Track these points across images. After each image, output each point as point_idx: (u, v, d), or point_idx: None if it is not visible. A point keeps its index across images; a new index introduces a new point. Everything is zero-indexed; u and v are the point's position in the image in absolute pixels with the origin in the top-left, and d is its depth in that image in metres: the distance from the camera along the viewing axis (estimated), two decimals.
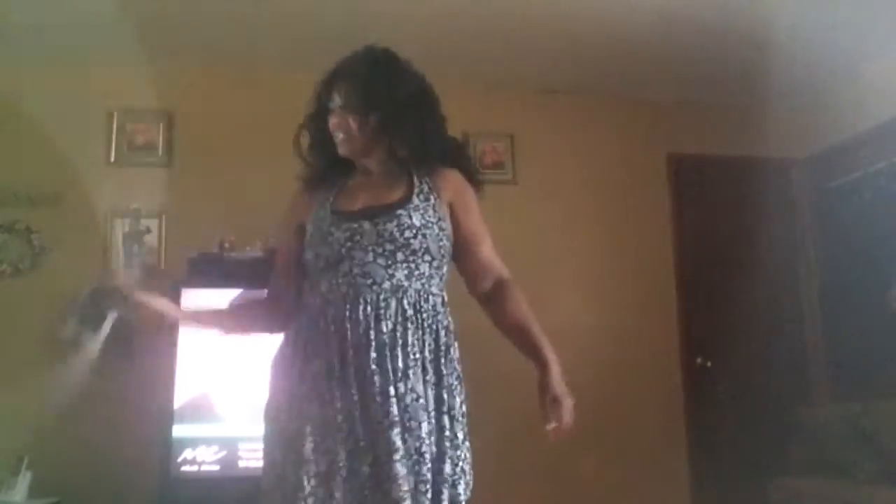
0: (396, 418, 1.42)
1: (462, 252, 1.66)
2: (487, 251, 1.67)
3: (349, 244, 1.57)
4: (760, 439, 3.74)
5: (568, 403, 1.49)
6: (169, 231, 3.50)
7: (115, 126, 3.55)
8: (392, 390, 1.44)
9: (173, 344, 3.02)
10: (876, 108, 3.68)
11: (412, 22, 3.28)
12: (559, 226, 3.90)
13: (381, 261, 1.54)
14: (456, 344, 1.59)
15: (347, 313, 1.51)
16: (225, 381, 3.06)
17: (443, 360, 1.53)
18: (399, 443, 1.41)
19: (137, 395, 3.11)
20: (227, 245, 3.31)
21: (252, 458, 2.98)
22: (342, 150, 1.76)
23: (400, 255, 1.54)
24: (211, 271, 3.21)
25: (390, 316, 1.50)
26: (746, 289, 3.96)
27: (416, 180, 1.65)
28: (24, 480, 2.91)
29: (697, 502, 3.76)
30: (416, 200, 1.60)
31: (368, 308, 1.51)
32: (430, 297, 1.57)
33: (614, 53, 3.60)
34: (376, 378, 1.45)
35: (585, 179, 3.98)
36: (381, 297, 1.51)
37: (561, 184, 3.95)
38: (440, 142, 1.70)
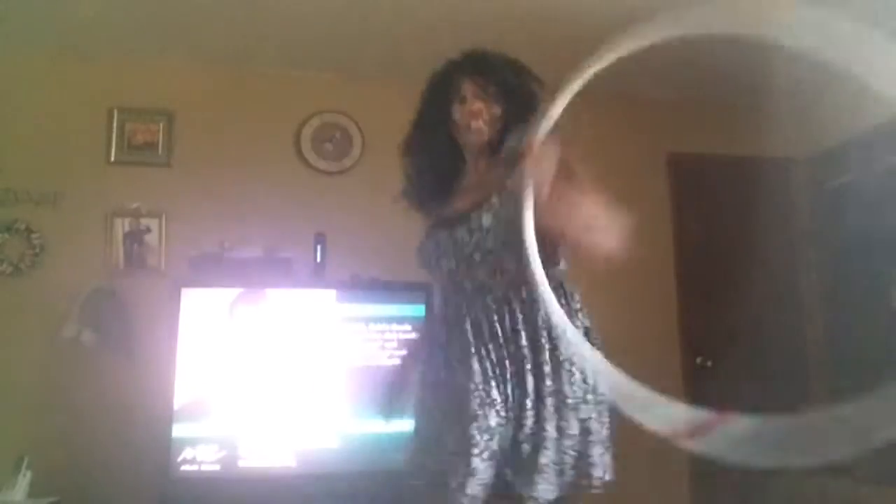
0: None
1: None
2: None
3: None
4: None
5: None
6: (169, 231, 3.50)
7: (115, 125, 3.54)
8: None
9: (173, 344, 3.02)
10: (876, 108, 3.67)
11: (412, 22, 3.29)
12: None
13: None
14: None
15: None
16: (225, 381, 3.06)
17: None
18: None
19: (137, 395, 3.11)
20: (227, 245, 3.31)
21: (252, 457, 2.98)
22: (478, 138, 1.75)
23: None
24: (211, 271, 3.22)
25: None
26: (746, 289, 3.96)
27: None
28: (24, 480, 2.91)
29: (697, 502, 3.77)
30: (493, 199, 1.64)
31: None
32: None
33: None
34: None
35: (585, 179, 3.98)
36: None
37: None
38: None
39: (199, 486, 2.93)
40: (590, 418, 1.57)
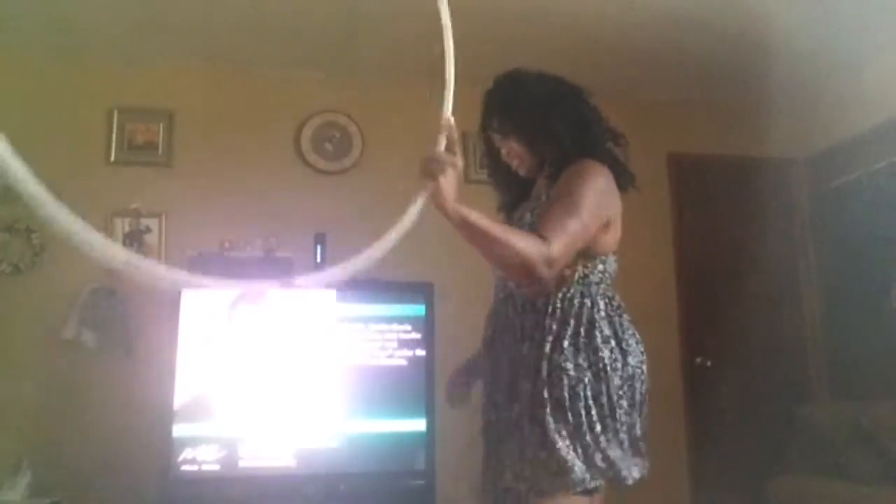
0: None
1: None
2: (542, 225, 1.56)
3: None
4: (760, 439, 3.74)
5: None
6: (169, 231, 3.50)
7: (115, 125, 3.54)
8: None
9: (173, 344, 3.02)
10: (876, 108, 3.68)
11: (412, 22, 3.28)
12: None
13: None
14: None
15: None
16: (225, 381, 3.06)
17: None
18: None
19: (137, 395, 3.11)
20: (227, 245, 3.31)
21: (252, 458, 2.98)
22: (522, 172, 1.84)
23: None
24: (211, 271, 3.19)
25: None
26: (746, 289, 3.96)
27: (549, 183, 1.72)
28: (23, 480, 2.91)
29: (697, 502, 3.76)
30: (525, 217, 1.71)
31: None
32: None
33: (614, 53, 3.60)
34: None
35: None
36: None
37: None
38: (582, 129, 1.77)
39: (199, 486, 2.93)
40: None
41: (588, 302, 1.65)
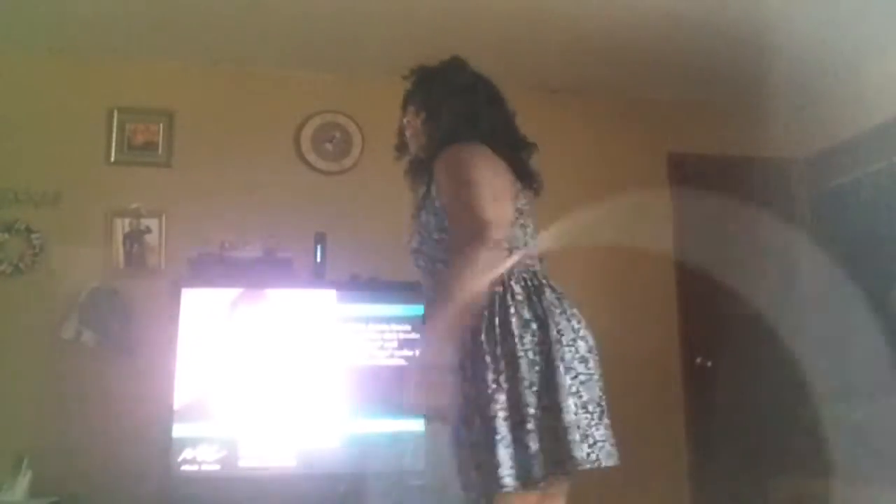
0: None
1: None
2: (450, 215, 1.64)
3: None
4: (760, 439, 3.73)
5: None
6: (169, 231, 3.50)
7: (115, 125, 3.54)
8: None
9: (173, 344, 3.02)
10: (876, 108, 3.67)
11: (412, 23, 3.28)
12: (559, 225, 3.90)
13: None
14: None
15: None
16: (225, 381, 3.05)
17: None
18: None
19: (137, 395, 3.11)
20: (227, 245, 3.31)
21: (252, 457, 2.98)
22: (411, 147, 1.89)
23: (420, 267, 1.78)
24: (211, 271, 3.21)
25: None
26: (746, 288, 3.95)
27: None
28: (24, 480, 2.92)
29: (697, 502, 3.76)
30: (420, 217, 1.73)
31: None
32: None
33: (614, 53, 3.60)
34: None
35: (585, 179, 3.98)
36: None
37: (561, 183, 3.94)
38: (473, 126, 1.74)
39: (199, 486, 2.93)
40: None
41: (500, 288, 1.62)
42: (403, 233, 1.88)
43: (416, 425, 3.08)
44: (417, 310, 3.20)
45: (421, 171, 1.81)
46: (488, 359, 1.57)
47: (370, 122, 3.78)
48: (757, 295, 3.98)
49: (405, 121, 1.89)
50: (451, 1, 3.14)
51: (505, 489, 1.51)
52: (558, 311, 1.64)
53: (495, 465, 1.51)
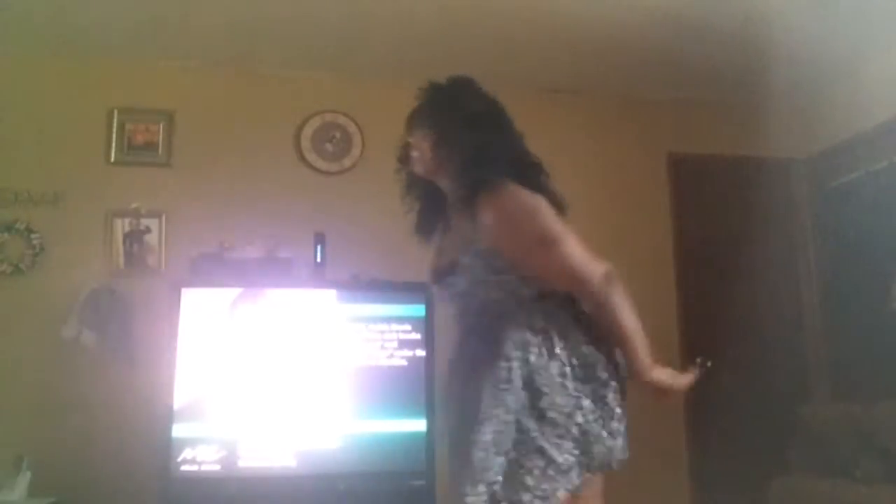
0: None
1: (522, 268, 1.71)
2: (550, 275, 1.69)
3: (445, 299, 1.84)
4: (760, 439, 3.73)
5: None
6: (169, 231, 3.50)
7: (115, 125, 3.54)
8: None
9: (173, 344, 3.02)
10: (876, 108, 3.67)
11: (412, 23, 3.29)
12: None
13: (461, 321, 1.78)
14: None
15: None
16: (225, 382, 3.05)
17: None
18: None
19: (137, 395, 3.11)
20: (227, 245, 3.31)
21: (252, 457, 2.98)
22: (416, 168, 1.85)
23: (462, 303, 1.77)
24: (211, 271, 3.22)
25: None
26: (746, 289, 3.96)
27: (467, 224, 1.72)
28: (23, 480, 2.91)
29: (697, 502, 3.76)
30: (464, 260, 1.70)
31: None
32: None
33: (614, 53, 3.60)
34: None
35: (585, 179, 3.98)
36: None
37: (560, 183, 3.94)
38: (492, 158, 1.74)
39: (199, 486, 2.93)
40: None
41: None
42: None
43: (416, 425, 3.08)
44: (417, 310, 3.22)
45: (419, 188, 1.88)
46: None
47: (370, 122, 3.78)
48: (757, 295, 3.98)
49: (410, 140, 1.86)
50: (451, 1, 3.14)
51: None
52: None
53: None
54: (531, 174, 1.79)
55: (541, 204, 1.69)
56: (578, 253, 1.65)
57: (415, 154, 1.83)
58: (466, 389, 1.65)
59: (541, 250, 1.65)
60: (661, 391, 1.76)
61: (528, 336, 1.64)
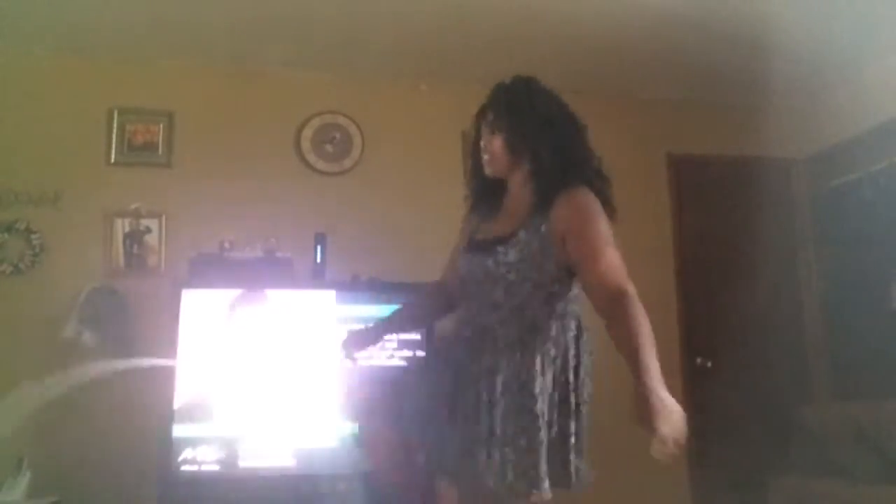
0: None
1: (577, 274, 1.76)
2: (592, 275, 1.70)
3: (468, 277, 1.83)
4: (761, 439, 3.74)
5: (657, 419, 1.57)
6: (169, 231, 3.50)
7: (115, 125, 3.54)
8: None
9: (173, 344, 3.02)
10: (876, 108, 3.68)
11: (412, 23, 3.29)
12: None
13: (483, 296, 1.78)
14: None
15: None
16: (225, 382, 3.05)
17: None
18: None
19: (137, 395, 3.11)
20: (227, 245, 3.31)
21: (252, 457, 2.98)
22: (487, 170, 1.87)
23: (497, 290, 1.75)
24: (211, 271, 3.21)
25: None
26: (746, 289, 3.96)
27: (535, 209, 1.75)
28: (23, 480, 2.91)
29: (697, 502, 3.76)
30: (521, 235, 1.73)
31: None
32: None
33: (614, 53, 3.60)
34: None
35: None
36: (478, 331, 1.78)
37: None
38: (567, 161, 1.80)
39: (199, 486, 2.93)
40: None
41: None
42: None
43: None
44: None
45: (490, 193, 1.91)
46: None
47: (370, 122, 3.78)
48: (757, 295, 3.98)
49: (483, 143, 1.87)
50: (450, 2, 3.14)
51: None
52: None
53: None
54: (599, 182, 1.85)
55: (603, 212, 1.75)
56: (621, 265, 1.70)
57: (486, 157, 1.86)
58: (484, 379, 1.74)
59: (604, 251, 1.68)
60: (656, 420, 1.63)
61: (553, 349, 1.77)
